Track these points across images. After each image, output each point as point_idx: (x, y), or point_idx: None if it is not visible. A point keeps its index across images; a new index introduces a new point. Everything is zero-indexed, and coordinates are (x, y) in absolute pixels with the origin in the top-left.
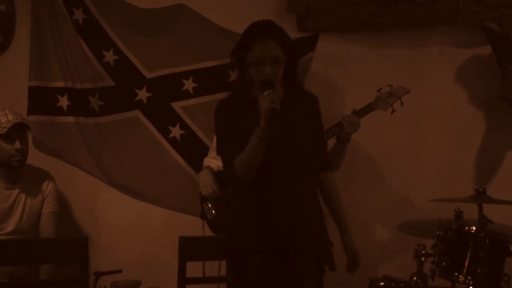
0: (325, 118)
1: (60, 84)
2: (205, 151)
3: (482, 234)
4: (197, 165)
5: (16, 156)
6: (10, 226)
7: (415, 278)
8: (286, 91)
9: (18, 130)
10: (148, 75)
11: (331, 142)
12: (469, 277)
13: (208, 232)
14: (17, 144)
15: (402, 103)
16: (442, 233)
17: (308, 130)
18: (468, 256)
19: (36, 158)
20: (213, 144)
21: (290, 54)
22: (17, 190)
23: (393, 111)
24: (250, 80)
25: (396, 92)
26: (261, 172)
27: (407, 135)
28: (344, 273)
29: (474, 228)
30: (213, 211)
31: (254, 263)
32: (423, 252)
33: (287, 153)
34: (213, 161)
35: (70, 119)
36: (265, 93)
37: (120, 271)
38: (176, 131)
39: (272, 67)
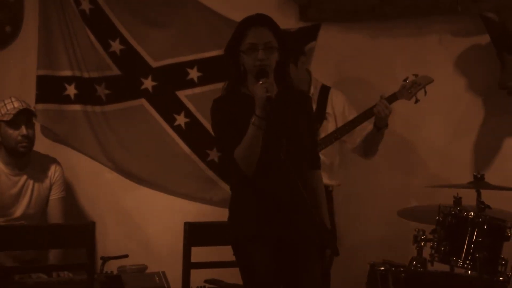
0: None
1: (67, 73)
2: (209, 138)
3: (480, 220)
4: (201, 152)
5: (22, 142)
6: (18, 211)
7: (414, 262)
8: (281, 88)
9: (23, 117)
10: (154, 64)
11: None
12: (468, 262)
13: (213, 218)
14: (23, 130)
15: (425, 93)
16: (441, 219)
17: (303, 125)
18: (467, 241)
19: (43, 145)
20: None
21: (282, 46)
22: (24, 176)
23: (416, 100)
24: (244, 73)
25: (420, 81)
26: (261, 164)
27: (407, 122)
28: (346, 258)
29: (472, 213)
30: None
31: (257, 251)
32: (423, 238)
33: (285, 146)
34: None
35: (77, 107)
36: (260, 82)
37: (126, 256)
38: (181, 119)
39: (266, 52)
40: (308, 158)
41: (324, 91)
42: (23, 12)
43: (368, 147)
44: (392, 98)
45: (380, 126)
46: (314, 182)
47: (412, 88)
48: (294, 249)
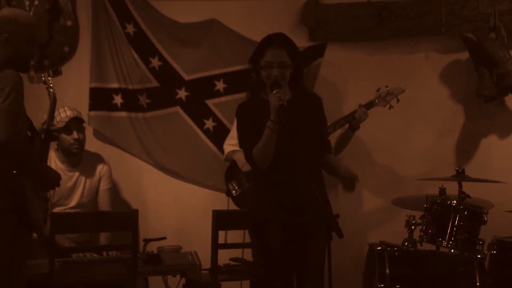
0: (331, 113)
1: (115, 85)
2: None
3: (461, 207)
4: None
5: (74, 145)
6: (74, 201)
7: (406, 243)
8: (294, 93)
9: (75, 123)
10: (187, 77)
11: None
12: (451, 242)
13: (232, 206)
14: (75, 134)
15: (398, 101)
16: (428, 206)
17: (314, 124)
18: (450, 224)
19: (95, 146)
20: (231, 133)
21: (296, 61)
22: (78, 172)
23: (390, 107)
24: (263, 81)
25: (393, 91)
26: (277, 159)
27: (400, 126)
28: (348, 239)
29: (455, 201)
30: (237, 188)
31: (272, 232)
32: (413, 222)
33: (297, 143)
34: (234, 147)
35: (123, 114)
36: (274, 92)
37: (164, 238)
38: (209, 124)
39: (279, 70)
40: (322, 146)
41: None
42: (79, 35)
43: (340, 146)
44: (369, 105)
45: (355, 128)
46: (331, 163)
47: (386, 97)
48: (303, 230)
